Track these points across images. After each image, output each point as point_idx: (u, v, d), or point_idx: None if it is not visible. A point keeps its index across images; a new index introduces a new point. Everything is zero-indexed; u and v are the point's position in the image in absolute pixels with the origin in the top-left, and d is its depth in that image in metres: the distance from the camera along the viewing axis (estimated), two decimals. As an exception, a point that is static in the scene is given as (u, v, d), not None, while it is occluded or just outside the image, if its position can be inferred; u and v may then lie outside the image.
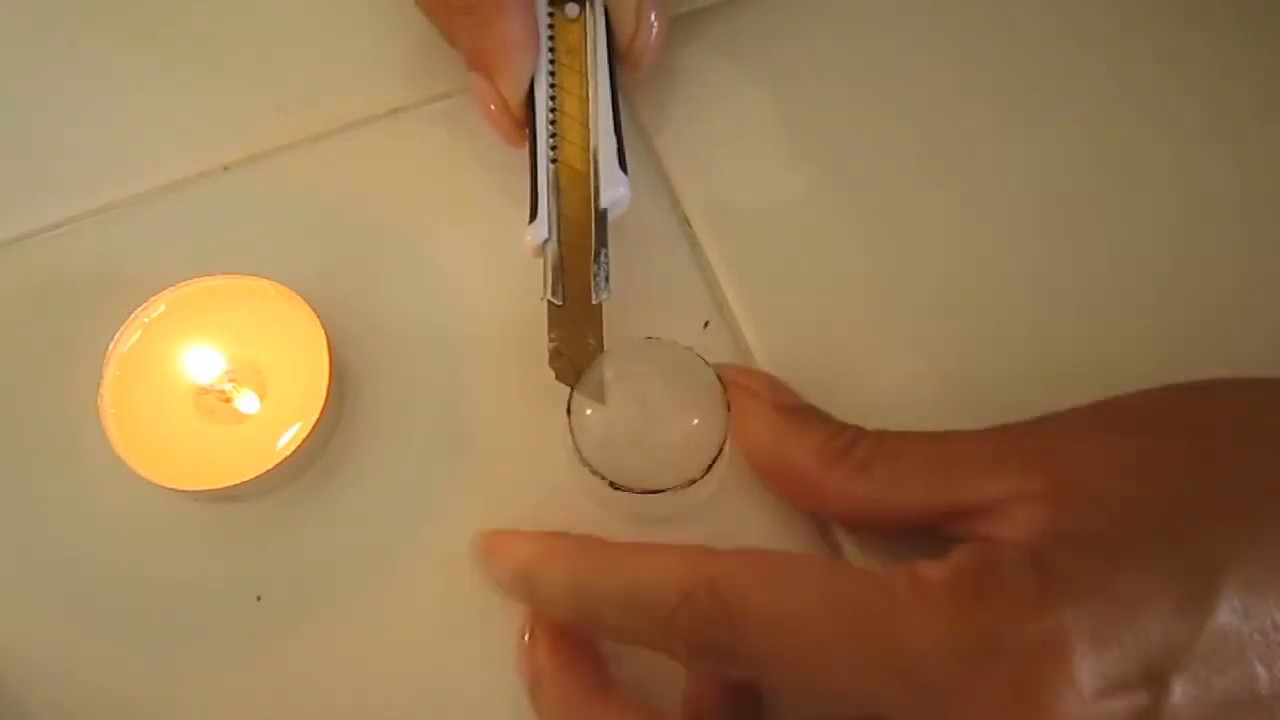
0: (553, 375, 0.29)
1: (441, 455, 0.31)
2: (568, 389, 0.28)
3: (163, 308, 0.31)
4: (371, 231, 0.34)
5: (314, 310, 0.30)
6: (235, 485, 0.28)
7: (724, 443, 0.27)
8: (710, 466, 0.27)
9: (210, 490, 0.29)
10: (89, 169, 0.35)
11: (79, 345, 0.32)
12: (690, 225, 0.34)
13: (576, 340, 0.29)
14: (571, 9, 0.33)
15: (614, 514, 0.30)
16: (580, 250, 0.30)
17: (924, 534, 0.26)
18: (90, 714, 0.29)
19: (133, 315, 0.30)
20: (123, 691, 0.29)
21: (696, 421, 0.28)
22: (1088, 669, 0.21)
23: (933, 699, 0.22)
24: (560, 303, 0.30)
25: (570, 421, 0.28)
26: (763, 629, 0.23)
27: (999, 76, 0.35)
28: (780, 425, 0.28)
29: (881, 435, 0.27)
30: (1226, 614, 0.21)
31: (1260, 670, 0.21)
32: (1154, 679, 0.21)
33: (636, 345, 0.29)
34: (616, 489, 0.27)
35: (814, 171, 0.34)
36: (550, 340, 0.29)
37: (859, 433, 0.27)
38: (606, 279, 0.30)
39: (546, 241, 0.30)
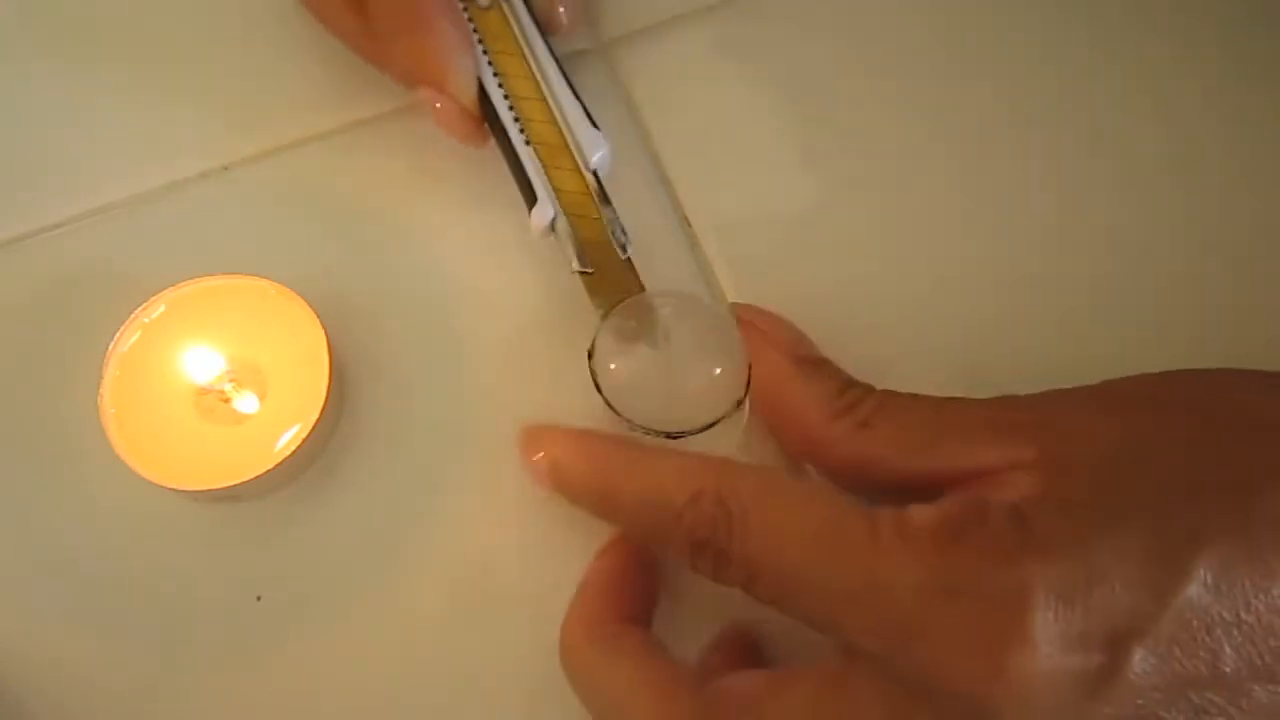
0: (553, 371, 0.29)
1: (441, 455, 0.31)
2: (583, 364, 0.28)
3: (163, 308, 0.31)
4: (371, 231, 0.34)
5: (314, 310, 0.30)
6: (235, 485, 0.28)
7: (746, 389, 0.27)
8: (729, 412, 0.27)
9: (210, 490, 0.29)
10: (89, 169, 0.35)
11: (79, 345, 0.32)
12: (690, 225, 0.34)
13: (620, 299, 0.29)
14: None
15: None
16: (587, 217, 0.31)
17: (915, 497, 0.26)
18: (90, 714, 0.29)
19: (133, 315, 0.30)
20: (123, 691, 0.29)
21: (719, 371, 0.28)
22: (1047, 624, 0.21)
23: (895, 631, 0.22)
24: (591, 270, 0.30)
25: (593, 367, 0.28)
26: (754, 538, 0.24)
27: (1002, 72, 0.35)
28: (791, 372, 0.28)
29: (888, 395, 0.27)
30: (1198, 589, 0.21)
31: (1228, 649, 0.21)
32: (1114, 643, 0.21)
33: (658, 295, 0.29)
34: (635, 429, 0.27)
35: (815, 171, 0.34)
36: (597, 307, 0.30)
37: (867, 390, 0.28)
38: (623, 230, 0.30)
39: (555, 218, 0.30)
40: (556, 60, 0.32)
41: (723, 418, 0.27)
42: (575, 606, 0.27)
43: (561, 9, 0.33)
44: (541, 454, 0.29)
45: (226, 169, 0.35)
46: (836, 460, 0.27)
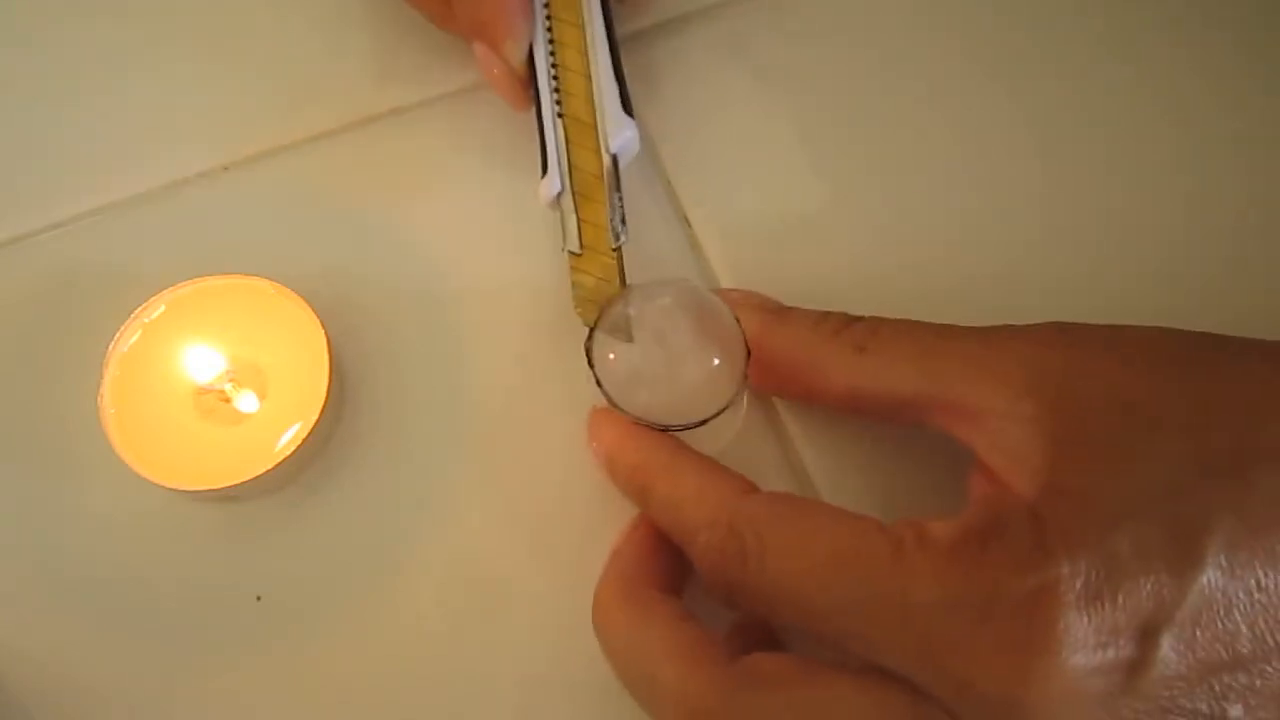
0: (553, 372, 0.29)
1: (442, 455, 0.31)
2: (584, 363, 0.28)
3: (163, 308, 0.31)
4: (371, 231, 0.34)
5: (314, 310, 0.30)
6: (235, 485, 0.28)
7: (743, 379, 0.27)
8: (727, 405, 0.27)
9: (210, 490, 0.29)
10: (89, 169, 0.35)
11: (79, 345, 0.32)
12: (690, 225, 0.34)
13: (598, 285, 0.30)
14: None
15: None
16: (594, 199, 0.31)
17: (909, 423, 0.26)
18: (90, 714, 0.29)
19: (133, 315, 0.30)
20: (123, 691, 0.29)
21: (717, 361, 0.28)
22: (1079, 622, 0.21)
23: (929, 651, 0.22)
24: (580, 251, 0.30)
25: (592, 361, 0.28)
26: (770, 569, 0.24)
27: (1013, 71, 0.35)
28: (769, 317, 0.29)
29: (879, 320, 0.27)
30: (1214, 571, 0.21)
31: (1244, 629, 0.21)
32: (1144, 634, 0.21)
33: (657, 284, 0.29)
34: (635, 421, 0.27)
35: (817, 171, 0.34)
36: (574, 288, 0.30)
37: (850, 315, 0.28)
38: (623, 222, 0.30)
39: (560, 194, 0.31)
40: (612, 39, 0.32)
41: (721, 410, 0.27)
42: (610, 569, 0.27)
43: None
44: (596, 442, 0.29)
45: (226, 169, 0.35)
46: (836, 393, 0.27)
